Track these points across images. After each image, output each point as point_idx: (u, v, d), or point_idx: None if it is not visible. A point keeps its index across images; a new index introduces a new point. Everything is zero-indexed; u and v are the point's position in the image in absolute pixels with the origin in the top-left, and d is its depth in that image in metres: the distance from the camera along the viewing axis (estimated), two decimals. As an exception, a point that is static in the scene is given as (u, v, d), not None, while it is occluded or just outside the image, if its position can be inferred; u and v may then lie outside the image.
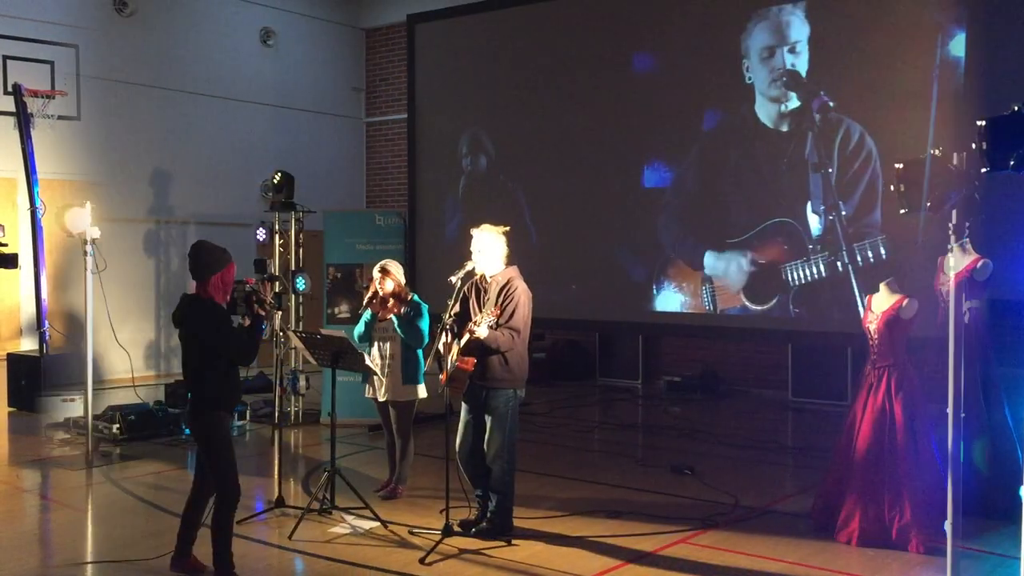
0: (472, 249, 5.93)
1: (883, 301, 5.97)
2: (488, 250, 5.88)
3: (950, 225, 4.10)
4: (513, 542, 5.81)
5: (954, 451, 4.14)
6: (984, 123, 3.91)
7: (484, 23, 11.04)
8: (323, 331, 6.83)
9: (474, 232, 5.97)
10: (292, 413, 9.94)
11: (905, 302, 5.84)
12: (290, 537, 5.92)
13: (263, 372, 11.86)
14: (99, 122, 11.93)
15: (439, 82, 11.29)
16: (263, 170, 11.25)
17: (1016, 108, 3.96)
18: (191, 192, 12.89)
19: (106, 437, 8.65)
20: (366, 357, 6.44)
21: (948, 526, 4.15)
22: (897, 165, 4.08)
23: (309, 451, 8.77)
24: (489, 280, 5.91)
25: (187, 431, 8.99)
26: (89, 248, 7.90)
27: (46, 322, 10.10)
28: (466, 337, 5.67)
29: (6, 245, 7.27)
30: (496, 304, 5.70)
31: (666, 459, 8.10)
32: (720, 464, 8.01)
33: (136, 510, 6.72)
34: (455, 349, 5.74)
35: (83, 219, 7.88)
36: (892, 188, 4.09)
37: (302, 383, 9.77)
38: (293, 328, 9.17)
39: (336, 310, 9.21)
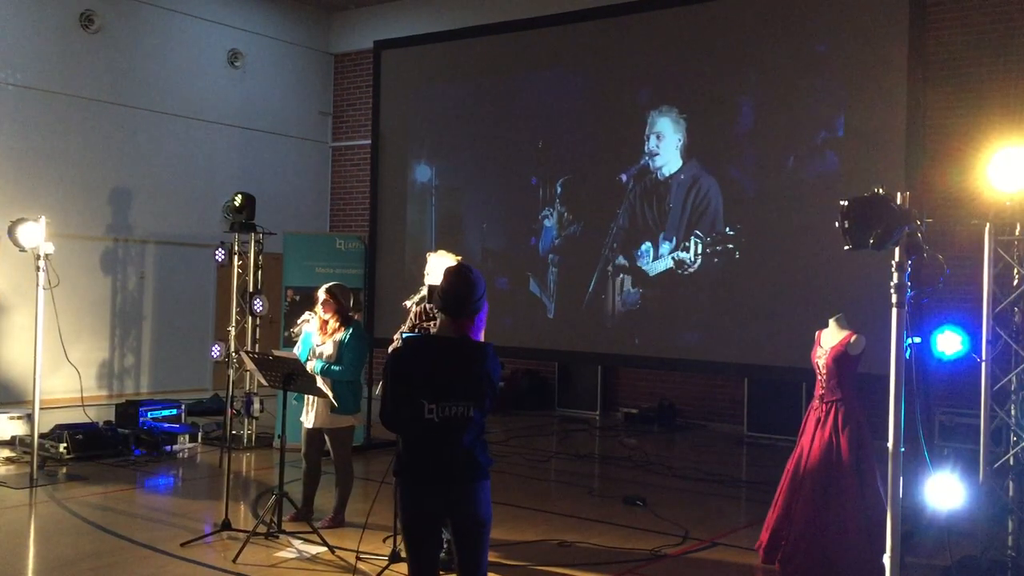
0: (425, 272, 5.96)
1: (832, 336, 6.06)
2: (436, 273, 5.88)
3: (893, 262, 4.18)
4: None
5: (894, 485, 4.19)
6: (846, 203, 4.10)
7: (451, 51, 11.12)
8: (275, 352, 6.79)
9: (429, 255, 6.01)
10: (245, 436, 9.84)
11: (853, 338, 5.93)
12: (234, 561, 5.84)
13: (217, 394, 11.75)
14: (57, 137, 11.82)
15: (404, 108, 11.33)
16: (226, 191, 11.19)
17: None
18: (151, 211, 12.79)
19: (53, 456, 8.49)
20: (319, 379, 6.40)
21: (887, 559, 4.20)
22: (842, 203, 4.16)
23: (260, 474, 8.67)
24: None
25: (136, 452, 8.86)
26: (41, 264, 7.80)
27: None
28: None
29: None
30: None
31: (620, 490, 8.12)
32: (673, 496, 8.03)
33: (79, 530, 6.59)
34: None
35: (36, 234, 7.78)
36: (837, 225, 4.17)
37: (256, 406, 9.70)
38: (247, 349, 9.10)
39: (292, 332, 9.18)
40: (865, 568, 5.57)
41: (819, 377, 6.07)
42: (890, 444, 4.20)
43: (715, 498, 8.14)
